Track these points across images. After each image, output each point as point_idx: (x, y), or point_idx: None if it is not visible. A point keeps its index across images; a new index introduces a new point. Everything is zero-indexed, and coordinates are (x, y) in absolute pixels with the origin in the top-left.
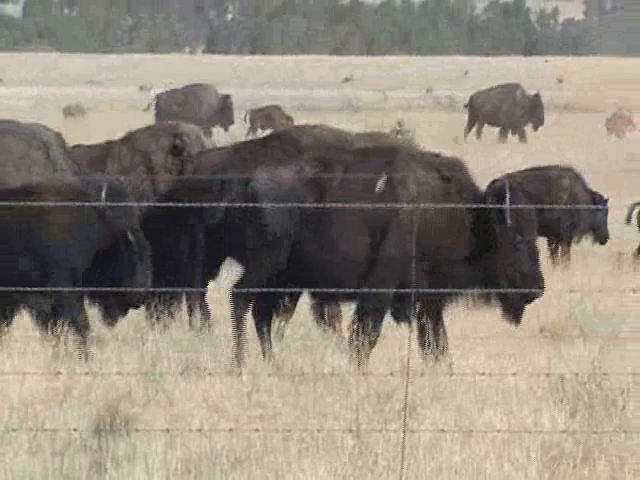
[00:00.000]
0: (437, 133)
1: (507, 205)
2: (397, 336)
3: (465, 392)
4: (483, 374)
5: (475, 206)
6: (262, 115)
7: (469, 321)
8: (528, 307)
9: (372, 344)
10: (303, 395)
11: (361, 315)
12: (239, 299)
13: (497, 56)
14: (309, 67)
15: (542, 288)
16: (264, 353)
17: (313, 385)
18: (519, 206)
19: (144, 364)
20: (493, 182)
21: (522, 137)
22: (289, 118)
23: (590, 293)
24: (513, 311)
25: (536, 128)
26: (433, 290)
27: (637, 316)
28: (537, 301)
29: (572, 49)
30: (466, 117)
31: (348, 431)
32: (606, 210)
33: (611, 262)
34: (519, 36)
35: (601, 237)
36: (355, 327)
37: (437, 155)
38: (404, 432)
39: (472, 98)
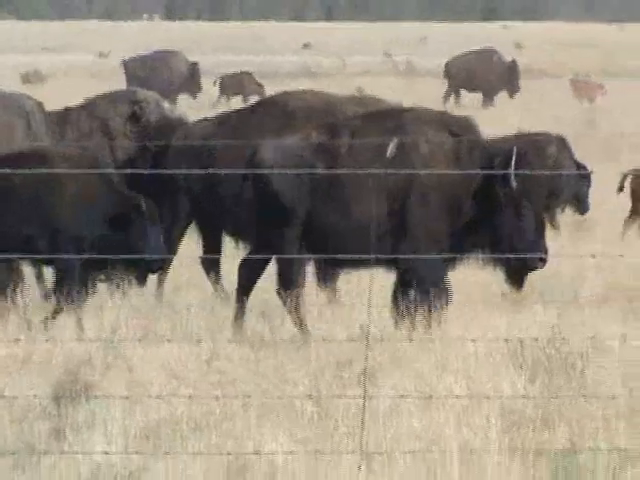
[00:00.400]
0: (398, 99)
1: (512, 170)
2: (356, 302)
3: (425, 358)
4: (442, 339)
5: (476, 172)
6: (233, 81)
7: None
8: (486, 272)
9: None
10: (263, 361)
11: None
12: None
13: (455, 22)
14: (269, 33)
15: (544, 258)
16: (235, 320)
17: (273, 351)
18: (520, 172)
19: (104, 331)
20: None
21: (486, 103)
22: (259, 84)
23: (549, 258)
24: (514, 277)
25: (511, 95)
26: (395, 256)
27: (595, 281)
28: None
29: (531, 14)
30: (427, 83)
31: (308, 397)
32: (589, 179)
33: (570, 228)
34: (477, 1)
35: (582, 208)
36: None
37: (445, 113)
38: (364, 398)
39: (447, 64)
